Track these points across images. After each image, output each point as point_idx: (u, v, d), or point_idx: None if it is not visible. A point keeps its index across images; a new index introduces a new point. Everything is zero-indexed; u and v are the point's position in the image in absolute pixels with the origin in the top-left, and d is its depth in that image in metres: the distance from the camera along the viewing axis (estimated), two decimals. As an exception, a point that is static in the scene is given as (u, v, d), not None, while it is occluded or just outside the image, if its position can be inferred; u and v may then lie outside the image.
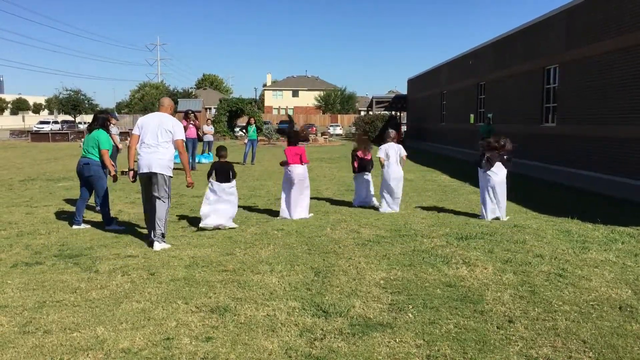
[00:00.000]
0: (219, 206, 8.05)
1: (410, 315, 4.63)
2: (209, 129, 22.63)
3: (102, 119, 8.37)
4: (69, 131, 45.60)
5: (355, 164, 10.27)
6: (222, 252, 6.74)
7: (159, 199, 7.11)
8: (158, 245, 7.01)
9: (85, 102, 68.52)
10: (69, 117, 72.27)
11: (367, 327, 4.36)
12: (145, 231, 7.87)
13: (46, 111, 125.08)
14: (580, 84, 16.99)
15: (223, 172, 8.19)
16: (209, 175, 8.23)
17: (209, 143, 22.39)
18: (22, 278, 5.70)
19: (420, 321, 4.49)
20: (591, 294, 5.15)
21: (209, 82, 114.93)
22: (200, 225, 8.04)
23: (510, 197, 11.31)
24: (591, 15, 16.39)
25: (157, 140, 7.10)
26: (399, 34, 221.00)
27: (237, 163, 19.63)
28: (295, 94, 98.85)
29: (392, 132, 10.07)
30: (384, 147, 9.85)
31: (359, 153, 10.24)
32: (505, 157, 8.96)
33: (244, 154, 20.33)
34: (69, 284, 5.47)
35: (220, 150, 8.43)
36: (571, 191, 12.67)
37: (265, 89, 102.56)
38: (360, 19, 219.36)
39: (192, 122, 18.24)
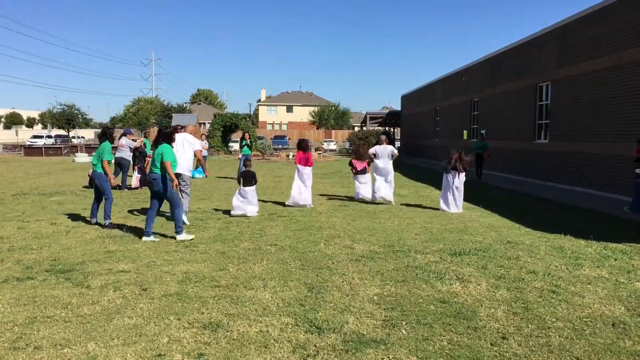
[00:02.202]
0: (245, 204, 10.86)
1: (403, 331, 4.62)
2: (203, 144, 22.61)
3: (167, 134, 8.63)
4: (62, 145, 45.50)
5: (353, 170, 13.50)
6: (215, 268, 6.71)
7: (184, 191, 10.05)
8: (184, 219, 9.62)
9: (79, 116, 68.52)
10: (62, 132, 72.13)
11: (360, 344, 4.34)
12: (138, 246, 7.92)
13: (40, 125, 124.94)
14: (572, 101, 17.14)
15: (248, 178, 10.93)
16: (239, 181, 11.23)
17: (203, 158, 22.33)
18: (13, 293, 5.65)
19: (413, 337, 4.48)
20: (584, 311, 5.16)
21: (203, 97, 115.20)
22: (232, 213, 10.86)
23: (504, 213, 11.36)
24: (583, 34, 16.58)
25: (184, 151, 9.98)
26: (393, 50, 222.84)
27: (232, 178, 19.64)
28: (289, 109, 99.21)
29: (382, 137, 13.58)
30: (375, 147, 13.16)
31: (354, 162, 13.46)
32: (464, 166, 11.76)
33: (238, 170, 20.22)
34: (60, 300, 5.43)
35: (246, 161, 12.02)
36: (564, 207, 12.71)
37: (259, 104, 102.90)
38: (354, 35, 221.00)
39: None
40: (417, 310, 5.16)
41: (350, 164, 13.52)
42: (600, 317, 4.98)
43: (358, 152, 13.68)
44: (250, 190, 10.85)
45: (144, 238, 8.36)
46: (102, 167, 9.55)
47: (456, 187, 11.60)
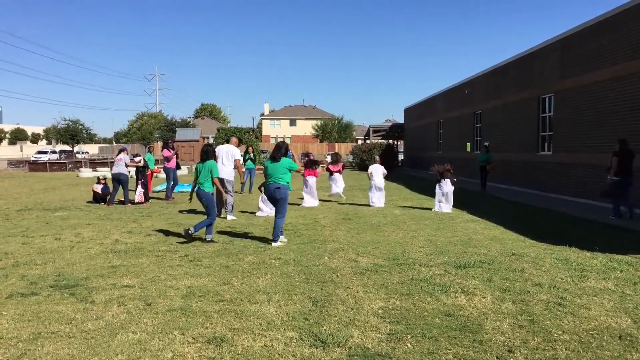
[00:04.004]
0: (268, 206, 12.89)
1: (409, 345, 4.59)
2: None
3: (285, 148, 9.53)
4: (66, 161, 45.65)
5: (331, 172, 17.13)
6: (219, 282, 6.70)
7: (228, 192, 12.55)
8: (229, 217, 12.66)
9: (84, 131, 68.79)
10: (67, 147, 72.41)
11: (365, 358, 4.32)
12: (142, 260, 7.91)
13: (44, 141, 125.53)
14: (575, 113, 17.15)
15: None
16: (260, 187, 12.07)
17: None
18: (17, 309, 5.65)
19: (419, 351, 4.45)
20: (591, 323, 5.12)
21: (207, 112, 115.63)
22: (257, 214, 13.33)
23: (508, 225, 11.33)
24: (585, 45, 16.62)
25: (229, 160, 12.99)
26: (396, 63, 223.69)
27: (236, 192, 19.62)
28: (292, 123, 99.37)
29: (376, 157, 17.12)
30: (371, 167, 15.84)
31: (330, 167, 17.21)
32: (452, 176, 14.30)
33: (242, 183, 20.10)
34: (64, 315, 5.43)
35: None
36: (569, 219, 12.66)
37: (262, 118, 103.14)
38: (357, 49, 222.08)
39: (177, 151, 18.27)
40: (422, 323, 5.13)
41: (327, 168, 17.16)
42: (606, 330, 4.95)
43: (335, 160, 17.46)
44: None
45: (273, 244, 9.14)
46: (214, 183, 9.65)
47: (446, 192, 14.13)
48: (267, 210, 13.11)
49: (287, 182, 9.35)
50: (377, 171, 15.55)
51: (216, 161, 12.34)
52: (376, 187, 15.38)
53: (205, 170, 9.59)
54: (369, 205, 15.35)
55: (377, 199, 15.40)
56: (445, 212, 13.88)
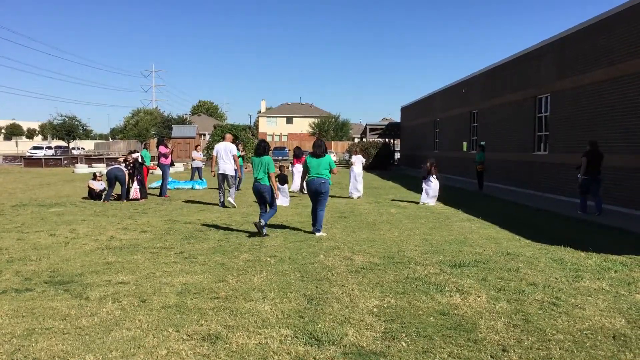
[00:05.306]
0: (282, 196, 14.27)
1: (403, 343, 4.60)
2: (198, 155, 22.56)
3: (325, 147, 10.24)
4: (62, 157, 45.51)
5: (294, 162, 19.02)
6: (215, 279, 6.69)
7: (230, 186, 14.60)
8: (230, 199, 14.38)
9: (80, 127, 68.62)
10: (62, 143, 72.21)
11: (360, 356, 4.32)
12: (137, 257, 7.89)
13: (40, 136, 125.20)
14: (571, 113, 17.18)
15: (282, 179, 14.83)
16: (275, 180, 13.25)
17: (199, 169, 22.28)
18: (11, 305, 5.63)
19: (413, 350, 4.45)
20: (585, 323, 5.14)
21: (204, 109, 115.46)
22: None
23: (503, 224, 11.35)
24: (581, 46, 16.64)
25: (228, 156, 14.21)
26: (392, 62, 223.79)
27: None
28: (289, 120, 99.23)
29: (357, 150, 19.76)
30: (353, 157, 17.95)
31: (295, 161, 18.81)
32: (437, 173, 15.61)
33: (239, 179, 19.98)
34: (58, 311, 5.41)
35: (281, 167, 16.28)
36: (564, 219, 12.70)
37: (259, 116, 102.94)
38: (355, 47, 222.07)
39: (172, 148, 18.25)
40: (417, 322, 5.14)
41: (292, 162, 19.07)
42: (600, 330, 4.96)
43: (298, 153, 19.01)
44: (283, 187, 14.64)
45: (317, 234, 9.93)
46: (270, 179, 9.81)
47: (430, 188, 15.44)
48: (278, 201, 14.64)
49: (328, 177, 10.09)
50: (357, 160, 17.48)
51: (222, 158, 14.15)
52: (355, 176, 17.12)
53: (263, 166, 9.81)
54: (354, 199, 16.76)
55: (356, 189, 17.13)
56: (430, 205, 15.17)
